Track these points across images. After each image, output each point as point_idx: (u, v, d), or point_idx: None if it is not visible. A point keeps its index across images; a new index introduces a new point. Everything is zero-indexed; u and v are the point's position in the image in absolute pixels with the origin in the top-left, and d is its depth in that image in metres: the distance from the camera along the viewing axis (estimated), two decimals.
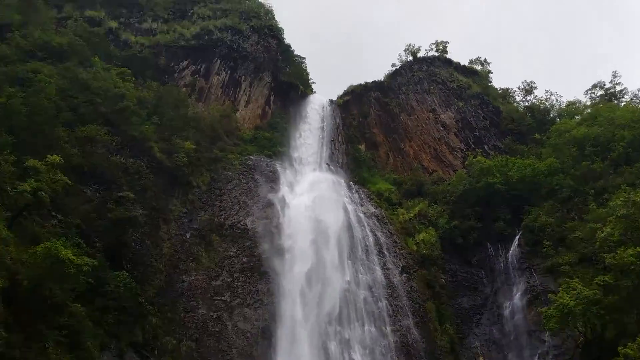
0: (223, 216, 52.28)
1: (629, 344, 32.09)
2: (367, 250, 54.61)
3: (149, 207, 45.29)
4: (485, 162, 61.69)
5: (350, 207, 58.97)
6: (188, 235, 48.70)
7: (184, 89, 64.73)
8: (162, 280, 43.37)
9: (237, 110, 70.59)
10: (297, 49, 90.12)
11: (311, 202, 57.00)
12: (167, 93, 57.72)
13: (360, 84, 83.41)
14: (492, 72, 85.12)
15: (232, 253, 49.49)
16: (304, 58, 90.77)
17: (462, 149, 70.27)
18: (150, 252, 43.57)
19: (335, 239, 53.25)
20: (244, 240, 50.79)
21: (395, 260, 55.12)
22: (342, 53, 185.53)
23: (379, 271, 52.99)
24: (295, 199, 57.89)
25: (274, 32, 79.83)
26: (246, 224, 52.16)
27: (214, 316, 44.40)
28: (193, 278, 45.88)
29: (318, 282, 49.47)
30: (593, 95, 72.86)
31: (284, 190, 58.68)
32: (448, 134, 72.45)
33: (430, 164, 71.70)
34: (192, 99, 64.70)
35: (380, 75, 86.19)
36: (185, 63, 69.25)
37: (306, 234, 52.46)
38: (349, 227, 55.85)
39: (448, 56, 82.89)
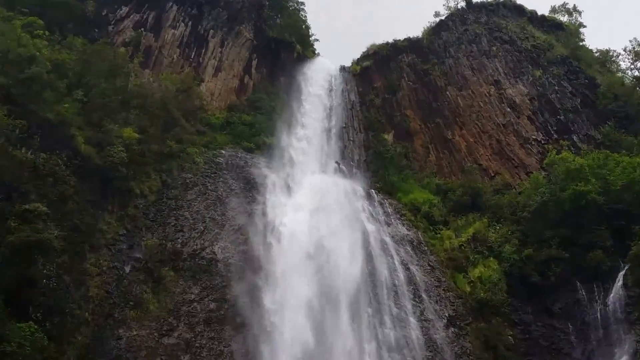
0: (180, 240, 52.27)
1: None
2: (395, 293, 54.61)
3: (68, 227, 44.85)
4: (574, 160, 61.41)
5: (370, 228, 59.24)
6: (127, 268, 48.56)
7: (122, 49, 65.20)
8: (87, 336, 42.87)
9: (203, 81, 71.59)
10: None
11: (312, 220, 57.39)
12: (97, 55, 57.83)
13: (387, 43, 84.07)
14: (584, 26, 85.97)
15: (193, 296, 49.22)
16: (302, 3, 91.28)
17: (540, 141, 70.52)
18: (70, 293, 42.91)
19: (348, 279, 53.31)
20: (210, 276, 50.71)
21: (438, 307, 54.89)
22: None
23: (413, 324, 52.77)
24: (288, 216, 58.18)
25: None
26: (214, 253, 52.21)
27: None
28: (135, 333, 45.37)
29: (321, 347, 49.09)
30: None
31: (271, 202, 59.05)
32: (518, 117, 72.61)
33: (491, 162, 71.94)
34: (134, 63, 64.94)
35: (415, 31, 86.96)
36: (124, 10, 70.17)
37: (302, 277, 52.55)
38: (369, 258, 56.08)
39: (519, 2, 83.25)
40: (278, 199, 59.92)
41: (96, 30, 66.36)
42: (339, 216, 58.51)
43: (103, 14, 68.46)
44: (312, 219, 57.76)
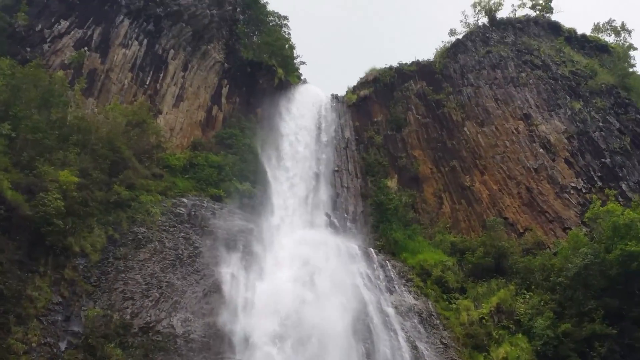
0: (130, 311, 52.09)
1: None
2: None
3: None
4: (622, 213, 61.84)
5: (369, 297, 59.58)
6: (63, 345, 48.22)
7: (60, 73, 65.41)
8: None
9: (160, 113, 72.73)
10: (276, 6, 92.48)
11: (294, 287, 57.84)
12: (28, 80, 58.17)
13: (391, 67, 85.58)
14: (635, 49, 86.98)
15: None
16: (285, 18, 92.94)
17: (580, 190, 71.60)
18: None
19: None
20: (167, 356, 50.46)
21: None
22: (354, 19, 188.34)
23: None
24: (264, 282, 58.57)
25: None
26: (172, 326, 52.09)
27: None
28: None
29: None
30: None
31: (244, 263, 59.46)
32: (553, 160, 73.96)
33: (519, 216, 73.00)
34: (75, 90, 64.87)
35: (425, 54, 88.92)
36: (63, 25, 70.50)
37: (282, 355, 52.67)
38: (367, 334, 56.29)
39: (554, 18, 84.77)
40: (253, 260, 60.13)
41: (28, 49, 66.50)
42: (328, 282, 58.70)
43: (37, 29, 68.49)
44: (294, 286, 58.01)
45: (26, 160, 53.78)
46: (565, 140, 74.58)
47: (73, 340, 49.07)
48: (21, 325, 47.14)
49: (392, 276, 64.54)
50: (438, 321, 61.11)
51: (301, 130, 78.44)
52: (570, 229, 67.66)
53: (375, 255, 66.56)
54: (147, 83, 73.18)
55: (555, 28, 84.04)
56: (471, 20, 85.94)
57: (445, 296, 64.87)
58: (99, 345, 49.32)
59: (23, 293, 48.20)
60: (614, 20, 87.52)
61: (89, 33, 71.20)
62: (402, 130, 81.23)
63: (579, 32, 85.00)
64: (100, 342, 49.50)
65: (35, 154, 54.43)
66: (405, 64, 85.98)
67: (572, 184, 72.24)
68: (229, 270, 58.00)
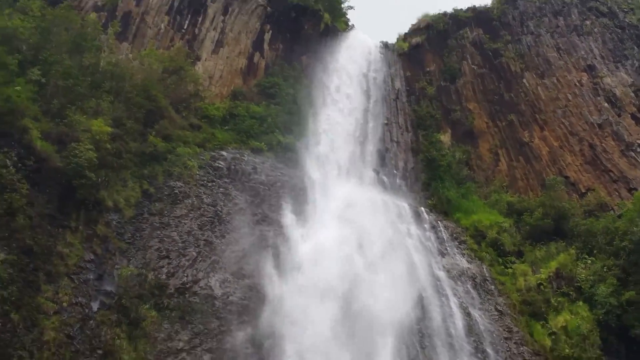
0: (165, 270, 51.70)
1: None
2: (451, 347, 53.94)
3: (18, 249, 44.54)
4: None
5: (419, 260, 59.08)
6: (95, 305, 47.72)
7: (93, 15, 64.99)
8: None
9: (199, 60, 71.87)
10: None
11: (341, 247, 56.99)
12: (59, 23, 57.50)
13: (445, 14, 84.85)
14: None
15: (181, 344, 48.53)
16: None
17: None
18: (19, 337, 42.48)
19: (389, 328, 52.46)
20: (205, 318, 50.08)
21: None
22: None
23: None
24: (309, 242, 58.04)
25: None
26: (210, 287, 51.68)
27: None
28: None
29: None
30: None
31: (287, 221, 58.82)
32: (619, 115, 72.24)
33: (581, 175, 71.59)
34: (109, 34, 64.52)
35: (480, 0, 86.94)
36: None
37: (327, 323, 51.60)
38: (417, 299, 55.71)
39: None
40: (297, 218, 59.56)
41: None
42: (377, 243, 58.14)
43: None
44: (341, 246, 57.19)
45: (56, 108, 53.15)
46: (632, 94, 73.22)
47: (106, 300, 48.77)
48: (51, 283, 46.94)
49: (444, 237, 63.91)
50: (493, 286, 60.52)
51: (349, 80, 76.97)
52: (636, 189, 66.55)
53: (426, 215, 65.91)
54: (185, 27, 72.86)
55: None
56: None
57: (500, 260, 64.26)
58: (133, 306, 49.11)
59: (53, 249, 47.94)
60: None
61: None
62: (457, 81, 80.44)
63: None
64: (134, 303, 49.32)
65: (66, 101, 53.76)
66: (461, 9, 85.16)
67: (639, 141, 70.34)
68: (271, 228, 57.45)
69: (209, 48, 73.06)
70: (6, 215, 44.55)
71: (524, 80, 77.17)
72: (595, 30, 76.70)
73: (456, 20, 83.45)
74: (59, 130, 51.28)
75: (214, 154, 62.48)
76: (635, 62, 74.34)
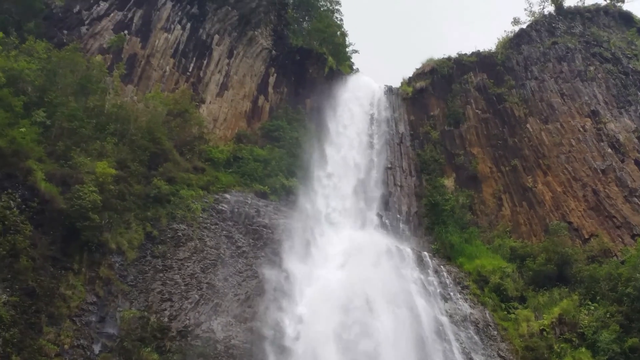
0: (168, 313, 51.67)
1: None
2: None
3: (21, 290, 44.59)
4: None
5: (422, 304, 58.79)
6: (97, 348, 47.78)
7: (99, 58, 65.41)
8: None
9: (203, 103, 72.13)
10: None
11: (343, 292, 56.86)
12: (65, 65, 58.05)
13: (449, 58, 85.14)
14: None
15: None
16: (337, 3, 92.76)
17: None
18: None
19: None
20: None
21: None
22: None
23: None
24: (312, 286, 57.93)
25: None
26: (212, 330, 51.52)
27: None
28: None
29: None
30: None
31: (289, 265, 58.73)
32: (623, 161, 72.21)
33: (584, 220, 71.24)
34: (114, 76, 64.73)
35: (487, 44, 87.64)
36: (103, 7, 70.24)
37: None
38: (420, 344, 55.27)
39: (625, 7, 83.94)
40: (299, 262, 59.41)
41: (65, 31, 66.42)
42: (379, 287, 57.82)
43: (75, 10, 68.29)
44: (343, 291, 57.05)
45: (61, 150, 53.51)
46: (636, 140, 73.05)
47: (107, 342, 48.71)
48: (53, 325, 47.00)
49: (447, 282, 63.60)
50: (495, 332, 60.03)
51: (352, 123, 77.16)
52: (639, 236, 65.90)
53: (429, 260, 65.58)
54: (190, 70, 72.98)
55: (627, 18, 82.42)
56: (536, 8, 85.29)
57: (503, 305, 63.67)
58: (135, 349, 49.02)
59: (56, 291, 48.02)
60: None
61: (129, 16, 71.12)
62: (461, 126, 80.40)
63: None
64: (136, 346, 49.23)
65: (71, 143, 54.20)
66: (465, 54, 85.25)
67: None
68: (274, 272, 57.37)
69: (214, 91, 73.34)
70: (9, 256, 44.55)
71: (528, 126, 77.11)
72: (599, 75, 76.72)
73: (460, 64, 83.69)
74: (63, 172, 51.58)
75: (217, 196, 62.54)
76: (639, 107, 74.32)
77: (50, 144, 52.92)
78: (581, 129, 74.94)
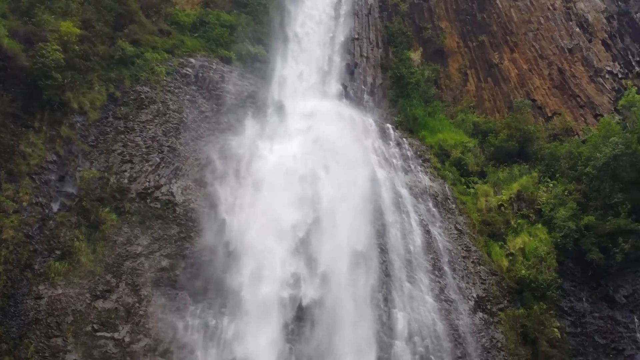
0: (128, 174, 51.98)
1: None
2: (409, 263, 54.32)
3: None
4: None
5: (382, 175, 58.94)
6: (55, 206, 48.43)
7: None
8: None
9: None
10: None
11: (304, 160, 57.26)
12: None
13: None
14: None
15: (140, 248, 49.08)
16: None
17: (616, 74, 70.43)
18: None
19: (348, 242, 52.67)
20: (165, 224, 50.56)
21: (464, 285, 54.86)
22: None
23: (430, 305, 52.55)
24: (273, 153, 58.16)
25: None
26: (172, 194, 52.04)
27: None
28: (60, 292, 45.07)
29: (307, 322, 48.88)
30: None
31: (251, 131, 58.87)
32: (590, 41, 72.33)
33: (548, 98, 71.71)
34: None
35: None
36: None
37: (284, 235, 52.28)
38: (378, 214, 55.71)
39: None
40: (261, 128, 59.56)
41: None
42: (341, 156, 57.69)
43: None
44: (304, 159, 57.32)
45: (25, 6, 52.89)
46: (604, 20, 73.02)
47: (66, 201, 49.34)
48: (12, 182, 47.56)
49: (409, 155, 63.81)
50: (454, 205, 60.86)
51: None
52: (602, 115, 66.85)
53: (392, 132, 65.63)
54: None
55: None
56: None
57: (463, 179, 64.59)
58: (93, 209, 49.56)
59: (16, 149, 48.42)
60: None
61: None
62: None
63: None
64: (94, 206, 49.76)
65: (35, 0, 53.19)
66: None
67: (608, 68, 70.97)
68: (235, 138, 57.48)
69: None
70: None
71: (497, 1, 76.53)
72: None
73: None
74: (26, 29, 51.11)
75: (182, 60, 62.05)
76: None
77: (14, 0, 52.10)
78: (550, 7, 74.65)
